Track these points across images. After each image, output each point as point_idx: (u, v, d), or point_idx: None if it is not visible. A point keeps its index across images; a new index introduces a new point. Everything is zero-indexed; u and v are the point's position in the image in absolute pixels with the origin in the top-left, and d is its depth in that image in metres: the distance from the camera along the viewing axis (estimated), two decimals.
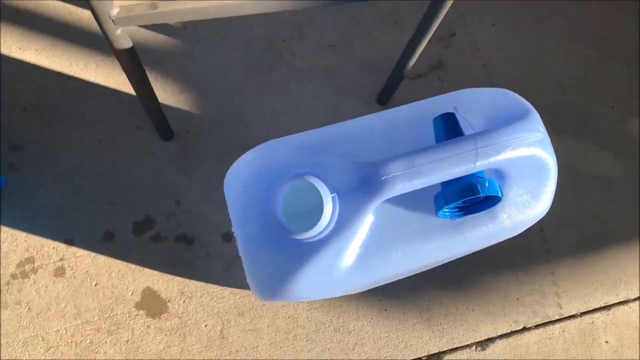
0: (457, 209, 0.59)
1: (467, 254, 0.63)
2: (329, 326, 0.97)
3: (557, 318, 1.03)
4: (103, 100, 1.06)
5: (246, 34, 1.15)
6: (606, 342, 1.02)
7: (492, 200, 0.57)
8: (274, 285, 0.54)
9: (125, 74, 0.79)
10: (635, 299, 1.05)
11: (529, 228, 0.63)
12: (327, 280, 0.54)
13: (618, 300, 1.05)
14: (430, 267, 0.66)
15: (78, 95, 1.06)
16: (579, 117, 1.18)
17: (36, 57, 1.07)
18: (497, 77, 1.18)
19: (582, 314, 1.03)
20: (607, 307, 1.04)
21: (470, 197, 0.53)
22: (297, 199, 0.52)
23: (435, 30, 0.87)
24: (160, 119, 0.97)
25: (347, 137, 0.60)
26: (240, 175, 0.57)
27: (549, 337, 1.01)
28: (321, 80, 1.13)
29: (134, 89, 0.85)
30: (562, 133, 1.16)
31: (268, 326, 0.95)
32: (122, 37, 0.69)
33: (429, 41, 0.91)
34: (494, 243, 0.61)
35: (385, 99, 1.11)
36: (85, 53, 1.09)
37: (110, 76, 1.08)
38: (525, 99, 0.62)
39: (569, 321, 1.03)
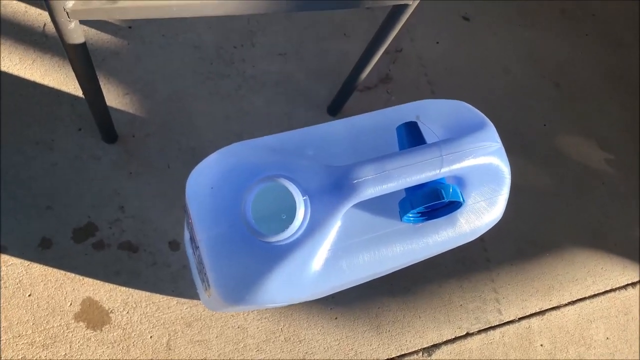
0: (420, 215, 0.60)
1: (428, 257, 0.64)
2: (280, 336, 0.95)
3: (497, 323, 1.07)
4: (40, 99, 1.00)
5: (195, 38, 1.12)
6: (541, 345, 1.08)
7: (453, 206, 0.59)
8: (241, 289, 0.52)
9: (74, 71, 0.75)
10: (566, 304, 1.12)
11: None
12: (296, 285, 0.53)
13: (551, 306, 1.11)
14: (394, 270, 0.67)
15: (12, 93, 0.99)
16: (514, 133, 1.25)
17: None
18: (440, 92, 1.23)
19: (520, 319, 1.09)
20: (541, 312, 1.10)
21: (435, 201, 0.55)
22: (267, 201, 0.51)
23: None
24: (106, 121, 0.93)
25: (313, 141, 0.60)
26: (206, 176, 0.56)
27: (490, 341, 1.05)
28: (272, 88, 1.12)
29: (81, 87, 0.81)
30: None
31: (217, 337, 0.93)
32: (75, 32, 0.66)
33: None
34: (453, 247, 0.63)
35: (335, 109, 1.13)
36: (20, 48, 1.02)
37: (48, 74, 1.02)
38: None
39: (508, 326, 1.07)
